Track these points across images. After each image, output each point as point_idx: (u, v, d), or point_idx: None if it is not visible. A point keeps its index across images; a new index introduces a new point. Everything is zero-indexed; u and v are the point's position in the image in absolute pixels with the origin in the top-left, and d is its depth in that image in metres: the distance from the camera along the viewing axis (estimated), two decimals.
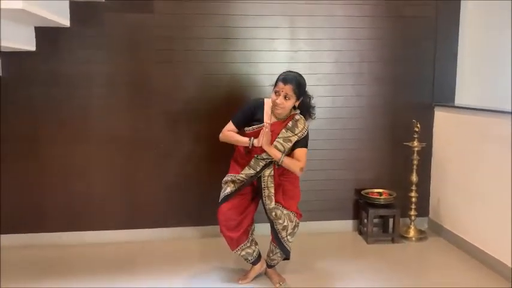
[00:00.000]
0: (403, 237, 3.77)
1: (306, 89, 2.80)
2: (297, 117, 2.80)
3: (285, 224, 2.79)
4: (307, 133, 2.82)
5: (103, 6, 3.44)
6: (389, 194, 3.78)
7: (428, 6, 3.80)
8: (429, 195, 4.01)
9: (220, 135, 2.86)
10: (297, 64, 3.71)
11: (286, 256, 2.95)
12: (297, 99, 2.74)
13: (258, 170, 2.78)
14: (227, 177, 2.86)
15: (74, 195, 3.62)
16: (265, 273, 3.09)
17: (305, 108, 2.86)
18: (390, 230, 3.74)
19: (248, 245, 2.89)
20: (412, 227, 3.81)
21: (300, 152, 2.79)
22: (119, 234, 3.71)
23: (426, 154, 3.89)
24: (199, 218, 3.75)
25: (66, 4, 3.31)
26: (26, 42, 3.25)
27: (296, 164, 2.76)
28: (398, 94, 3.87)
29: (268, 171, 2.79)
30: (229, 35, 3.63)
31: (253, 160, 2.78)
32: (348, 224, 3.96)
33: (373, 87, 3.85)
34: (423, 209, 3.97)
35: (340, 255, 3.50)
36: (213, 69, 3.63)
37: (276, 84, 2.71)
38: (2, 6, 2.41)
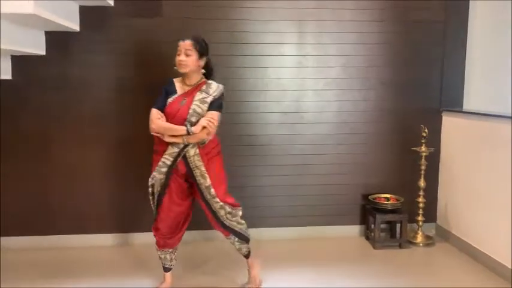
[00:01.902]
0: (411, 242, 3.75)
1: (209, 53, 2.80)
2: (209, 81, 2.81)
3: (221, 204, 2.76)
4: (221, 96, 2.78)
5: (112, 11, 3.47)
6: (397, 199, 3.76)
7: (436, 11, 3.79)
8: (437, 201, 3.99)
9: (152, 125, 2.69)
10: (304, 69, 3.73)
11: (237, 236, 2.86)
12: (200, 56, 2.72)
13: (181, 146, 2.69)
14: (154, 173, 2.76)
15: (80, 197, 3.64)
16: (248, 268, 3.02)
17: (212, 76, 2.87)
18: (397, 235, 3.72)
19: (174, 252, 2.93)
20: (420, 233, 3.79)
21: (211, 113, 2.71)
22: (125, 237, 3.73)
23: (434, 159, 3.87)
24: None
25: (76, 9, 3.35)
26: (36, 46, 3.29)
27: (197, 127, 2.66)
28: (406, 99, 3.86)
29: (192, 151, 2.71)
30: (237, 40, 3.65)
31: (182, 138, 2.69)
32: (354, 229, 3.94)
33: (381, 92, 3.84)
34: (431, 215, 3.95)
35: (347, 260, 3.49)
36: (221, 73, 3.63)
37: (178, 49, 2.72)
38: (12, 11, 2.44)
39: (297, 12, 3.67)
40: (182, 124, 2.67)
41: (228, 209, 2.79)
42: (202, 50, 2.74)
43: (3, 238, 3.56)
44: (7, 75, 3.34)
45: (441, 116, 3.90)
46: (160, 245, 2.90)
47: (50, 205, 3.62)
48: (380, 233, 3.69)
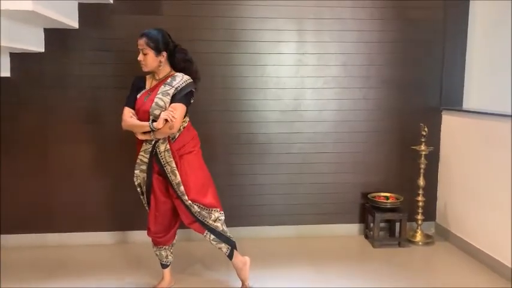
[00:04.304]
0: (410, 241, 3.75)
1: (170, 44, 2.70)
2: (176, 73, 2.71)
3: (189, 202, 2.69)
4: (186, 87, 2.65)
5: (111, 8, 3.46)
6: (396, 198, 3.76)
7: (436, 10, 3.78)
8: (436, 200, 3.99)
9: (123, 123, 2.69)
10: (304, 67, 3.72)
11: (212, 233, 2.76)
12: (156, 52, 2.63)
13: (153, 143, 2.65)
14: (135, 171, 2.74)
15: (81, 196, 3.64)
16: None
17: (183, 67, 2.75)
18: (397, 234, 3.73)
19: (169, 248, 2.92)
20: (419, 232, 3.78)
21: (174, 105, 2.61)
22: (125, 235, 3.72)
23: (433, 158, 3.87)
24: None
25: (75, 6, 3.34)
26: (35, 43, 3.28)
27: (159, 121, 2.57)
28: (406, 98, 3.86)
29: (163, 147, 2.65)
30: (236, 38, 3.64)
31: (150, 134, 2.63)
32: (354, 228, 3.94)
33: (381, 91, 3.84)
34: (430, 214, 3.95)
35: (346, 259, 3.49)
36: (220, 71, 3.64)
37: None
38: (12, 8, 2.44)
39: (296, 10, 3.66)
40: (147, 118, 2.62)
41: (196, 208, 2.70)
42: (157, 45, 2.63)
43: (2, 236, 3.56)
44: (6, 72, 3.33)
45: (441, 115, 3.90)
46: (155, 243, 2.89)
47: (49, 203, 3.62)
48: (379, 231, 3.69)
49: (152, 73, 2.75)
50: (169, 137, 2.67)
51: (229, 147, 3.65)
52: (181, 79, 2.68)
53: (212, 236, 2.78)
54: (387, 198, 3.77)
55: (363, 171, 3.90)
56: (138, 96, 2.71)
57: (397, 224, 3.71)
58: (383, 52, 3.79)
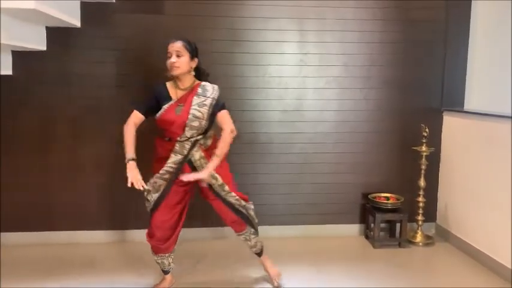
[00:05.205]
0: (410, 242, 3.75)
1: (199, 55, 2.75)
2: (203, 83, 2.74)
3: (237, 197, 2.78)
4: (219, 94, 2.74)
5: (113, 7, 3.46)
6: (397, 199, 3.76)
7: (438, 10, 3.78)
8: (437, 201, 3.99)
9: (125, 126, 2.70)
10: (306, 67, 3.72)
11: (251, 225, 2.88)
12: (191, 57, 2.66)
13: (185, 152, 2.67)
14: (155, 178, 2.72)
15: (80, 194, 3.64)
16: (263, 266, 3.05)
17: (204, 77, 2.81)
18: (397, 234, 3.73)
19: (170, 255, 2.89)
20: (419, 232, 3.79)
21: (223, 115, 2.71)
22: (126, 233, 3.73)
23: (434, 159, 3.87)
24: (209, 218, 3.74)
25: (77, 4, 3.34)
26: (37, 42, 3.28)
27: (225, 137, 2.67)
28: (407, 98, 3.86)
29: (197, 154, 2.69)
30: (238, 37, 3.64)
31: (177, 144, 2.67)
32: (354, 228, 3.94)
33: (382, 91, 3.84)
34: (430, 214, 3.95)
35: (346, 259, 3.49)
36: (222, 70, 3.64)
37: (167, 51, 2.67)
38: (14, 6, 2.44)
39: (298, 10, 3.66)
40: (183, 130, 2.63)
41: (243, 202, 2.80)
42: (193, 51, 2.68)
43: (2, 234, 3.56)
44: (8, 70, 3.33)
45: (442, 116, 3.90)
46: (156, 251, 2.86)
47: (49, 201, 3.62)
48: (380, 232, 3.69)
49: (174, 81, 2.72)
50: (202, 145, 2.72)
51: (231, 147, 3.63)
52: (212, 88, 2.73)
53: (252, 230, 2.89)
54: (388, 198, 3.77)
55: (363, 172, 3.90)
56: (165, 107, 2.66)
57: (398, 225, 3.72)
58: (384, 52, 3.79)
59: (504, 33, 3.81)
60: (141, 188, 2.55)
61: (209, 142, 2.76)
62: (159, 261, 2.88)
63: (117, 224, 3.72)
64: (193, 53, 2.69)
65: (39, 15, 2.76)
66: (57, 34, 3.40)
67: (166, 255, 2.87)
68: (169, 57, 2.63)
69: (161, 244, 2.81)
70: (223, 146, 2.66)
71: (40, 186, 3.60)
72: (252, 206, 2.87)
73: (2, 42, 2.65)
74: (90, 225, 3.69)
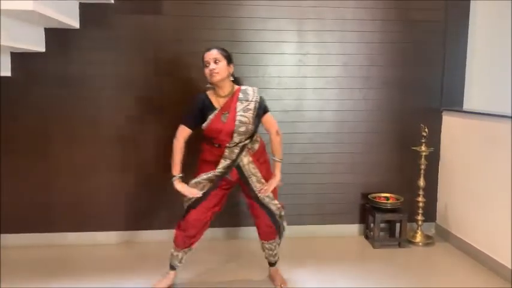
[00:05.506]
0: (410, 242, 3.75)
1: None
2: (242, 87, 2.80)
3: (279, 205, 2.85)
4: (261, 96, 2.82)
5: (112, 8, 3.46)
6: (397, 199, 3.76)
7: (437, 10, 3.78)
8: (436, 200, 3.99)
9: (175, 141, 2.77)
10: (305, 67, 3.72)
11: (280, 237, 2.97)
12: (228, 62, 2.71)
13: (234, 157, 2.74)
14: (202, 176, 2.76)
15: (80, 194, 3.63)
16: (268, 274, 3.08)
17: (240, 82, 2.86)
18: (397, 234, 3.73)
19: (188, 251, 2.91)
20: (419, 232, 3.78)
21: (267, 118, 2.83)
22: (125, 234, 3.72)
23: (434, 159, 3.87)
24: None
25: (76, 5, 3.34)
26: (36, 43, 3.28)
27: (276, 140, 2.85)
28: (406, 98, 3.86)
29: (246, 159, 2.76)
30: (237, 38, 3.64)
31: (227, 150, 2.73)
32: (354, 228, 3.94)
33: (382, 91, 3.84)
34: (430, 214, 3.95)
35: (346, 259, 3.49)
36: None
37: (203, 61, 2.71)
38: (12, 7, 2.44)
39: (298, 10, 3.66)
40: (231, 138, 2.69)
41: (282, 212, 2.87)
42: (228, 56, 2.74)
43: (3, 235, 3.56)
44: (7, 72, 3.33)
45: (441, 116, 3.90)
46: (179, 244, 2.87)
47: (49, 202, 3.61)
48: (379, 232, 3.69)
49: (214, 89, 2.76)
50: (249, 149, 2.77)
51: None
52: (253, 91, 2.80)
53: (279, 241, 2.96)
54: (387, 198, 3.77)
55: (363, 172, 3.90)
56: (211, 117, 2.70)
57: (397, 225, 3.72)
58: (384, 53, 3.79)
59: (503, 33, 3.82)
60: (199, 195, 2.73)
61: (256, 146, 2.82)
62: (175, 253, 2.90)
63: (117, 225, 3.71)
64: (229, 58, 2.74)
65: (37, 17, 2.76)
66: (55, 35, 3.40)
67: (186, 250, 2.89)
68: (207, 66, 2.68)
69: (188, 239, 2.85)
70: (278, 149, 2.84)
71: (39, 187, 3.59)
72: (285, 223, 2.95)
73: (1, 43, 2.65)
74: (90, 226, 3.68)
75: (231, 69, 2.76)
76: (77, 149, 3.59)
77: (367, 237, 3.85)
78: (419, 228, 3.79)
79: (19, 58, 3.38)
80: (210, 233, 3.62)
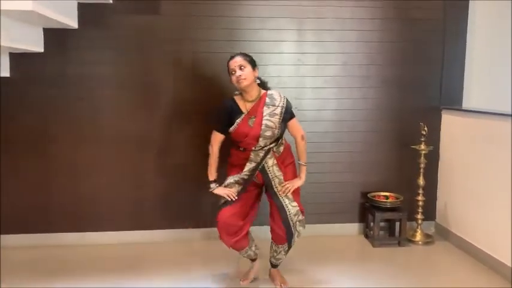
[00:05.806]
0: (410, 241, 3.75)
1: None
2: (269, 92, 2.84)
3: (297, 209, 2.82)
4: (288, 101, 2.85)
5: (111, 8, 3.45)
6: (396, 198, 3.76)
7: (436, 9, 3.78)
8: (436, 199, 3.99)
9: (210, 148, 2.87)
10: (304, 66, 3.72)
11: (289, 246, 2.92)
12: (252, 67, 2.75)
13: (259, 160, 2.78)
14: (230, 180, 2.83)
15: (80, 195, 3.63)
16: (269, 274, 3.09)
17: (266, 86, 2.90)
18: (397, 233, 3.73)
19: (250, 248, 2.94)
20: (419, 231, 3.79)
21: (293, 123, 2.87)
22: (125, 235, 3.71)
23: (433, 157, 3.87)
24: (203, 219, 3.74)
25: (74, 6, 3.33)
26: (35, 43, 3.27)
27: (301, 144, 2.89)
28: (405, 97, 3.86)
29: (270, 161, 2.79)
30: (236, 37, 3.63)
31: (252, 154, 2.78)
32: (353, 227, 3.94)
33: (381, 90, 3.84)
34: (430, 213, 3.95)
35: (345, 258, 3.49)
36: (220, 71, 3.62)
37: (228, 69, 2.76)
38: (11, 8, 2.43)
39: (296, 9, 3.66)
40: (257, 142, 2.73)
41: (301, 216, 2.83)
42: (252, 61, 2.77)
43: (2, 236, 3.55)
44: (5, 72, 3.32)
45: (441, 114, 3.90)
46: (237, 249, 2.91)
47: (49, 203, 3.61)
48: (379, 231, 3.69)
49: (241, 94, 2.81)
50: (275, 152, 2.80)
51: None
52: (279, 96, 2.83)
53: (287, 248, 2.92)
54: (387, 197, 3.77)
55: (362, 171, 3.90)
56: (238, 121, 2.75)
57: (397, 224, 3.72)
58: (383, 51, 3.79)
59: (502, 31, 3.82)
60: (235, 198, 2.77)
61: (281, 149, 2.85)
62: (245, 255, 2.97)
63: (117, 224, 3.71)
64: (253, 63, 2.78)
65: (36, 17, 2.75)
66: (54, 35, 3.38)
67: (246, 249, 2.91)
68: (233, 73, 2.72)
69: (232, 238, 2.81)
70: (303, 153, 2.89)
71: (39, 188, 3.59)
72: (302, 227, 2.88)
73: (1, 44, 2.64)
74: (90, 227, 3.68)
75: (256, 73, 2.80)
76: (77, 149, 3.59)
77: (366, 236, 3.85)
78: (419, 227, 3.79)
79: (18, 58, 3.37)
80: (210, 233, 3.65)
